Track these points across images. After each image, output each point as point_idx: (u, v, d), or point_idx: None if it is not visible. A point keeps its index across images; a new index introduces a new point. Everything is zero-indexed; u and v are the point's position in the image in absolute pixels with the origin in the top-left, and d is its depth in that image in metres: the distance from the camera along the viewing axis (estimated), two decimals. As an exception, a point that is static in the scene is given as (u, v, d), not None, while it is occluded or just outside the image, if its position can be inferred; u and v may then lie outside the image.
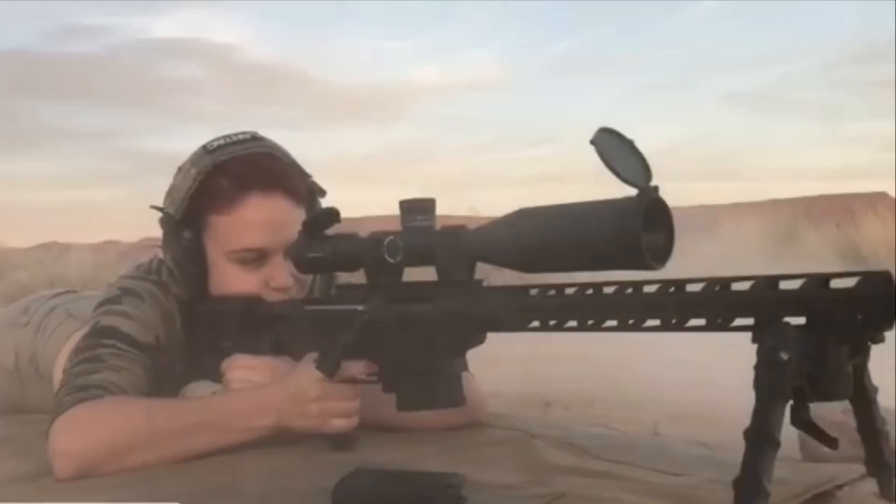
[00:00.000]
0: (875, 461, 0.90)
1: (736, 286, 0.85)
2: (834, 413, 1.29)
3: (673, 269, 0.92)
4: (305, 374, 1.17)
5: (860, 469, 1.07)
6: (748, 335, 0.83)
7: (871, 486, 1.03)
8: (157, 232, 1.39)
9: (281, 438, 1.22)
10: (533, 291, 0.98)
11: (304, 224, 1.20)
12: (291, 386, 1.18)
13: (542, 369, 2.90)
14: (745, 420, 0.79)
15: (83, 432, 1.15)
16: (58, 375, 1.50)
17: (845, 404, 0.95)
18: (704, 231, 8.24)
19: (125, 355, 1.27)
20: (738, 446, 0.80)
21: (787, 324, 0.79)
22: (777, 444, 0.77)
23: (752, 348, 0.82)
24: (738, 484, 0.77)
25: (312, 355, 1.17)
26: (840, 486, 1.07)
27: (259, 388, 1.22)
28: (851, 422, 1.12)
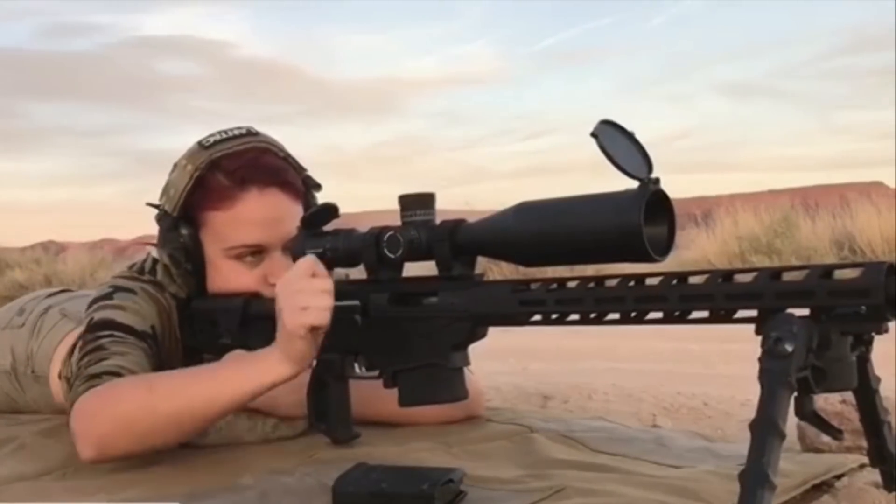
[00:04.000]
0: (878, 451, 0.90)
1: (739, 278, 0.84)
2: (833, 403, 1.29)
3: (670, 261, 0.91)
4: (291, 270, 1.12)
5: (859, 459, 1.08)
6: (747, 327, 0.83)
7: (869, 475, 1.04)
8: (153, 230, 1.38)
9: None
10: (535, 285, 0.98)
11: (303, 219, 1.19)
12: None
13: (540, 363, 2.90)
14: (743, 411, 0.79)
15: (97, 414, 1.15)
16: (53, 376, 1.50)
17: (845, 393, 0.95)
18: (701, 222, 8.23)
19: (126, 341, 1.27)
20: (737, 438, 0.80)
21: (792, 315, 0.79)
22: (783, 436, 0.77)
23: (752, 340, 0.81)
24: (744, 476, 0.76)
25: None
26: (839, 476, 1.07)
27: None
28: (850, 412, 1.12)
